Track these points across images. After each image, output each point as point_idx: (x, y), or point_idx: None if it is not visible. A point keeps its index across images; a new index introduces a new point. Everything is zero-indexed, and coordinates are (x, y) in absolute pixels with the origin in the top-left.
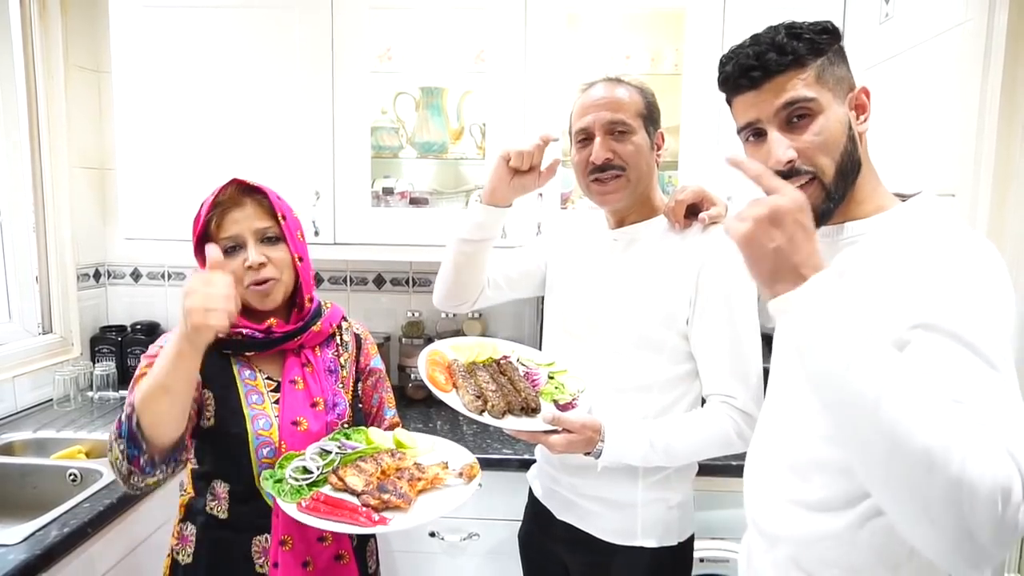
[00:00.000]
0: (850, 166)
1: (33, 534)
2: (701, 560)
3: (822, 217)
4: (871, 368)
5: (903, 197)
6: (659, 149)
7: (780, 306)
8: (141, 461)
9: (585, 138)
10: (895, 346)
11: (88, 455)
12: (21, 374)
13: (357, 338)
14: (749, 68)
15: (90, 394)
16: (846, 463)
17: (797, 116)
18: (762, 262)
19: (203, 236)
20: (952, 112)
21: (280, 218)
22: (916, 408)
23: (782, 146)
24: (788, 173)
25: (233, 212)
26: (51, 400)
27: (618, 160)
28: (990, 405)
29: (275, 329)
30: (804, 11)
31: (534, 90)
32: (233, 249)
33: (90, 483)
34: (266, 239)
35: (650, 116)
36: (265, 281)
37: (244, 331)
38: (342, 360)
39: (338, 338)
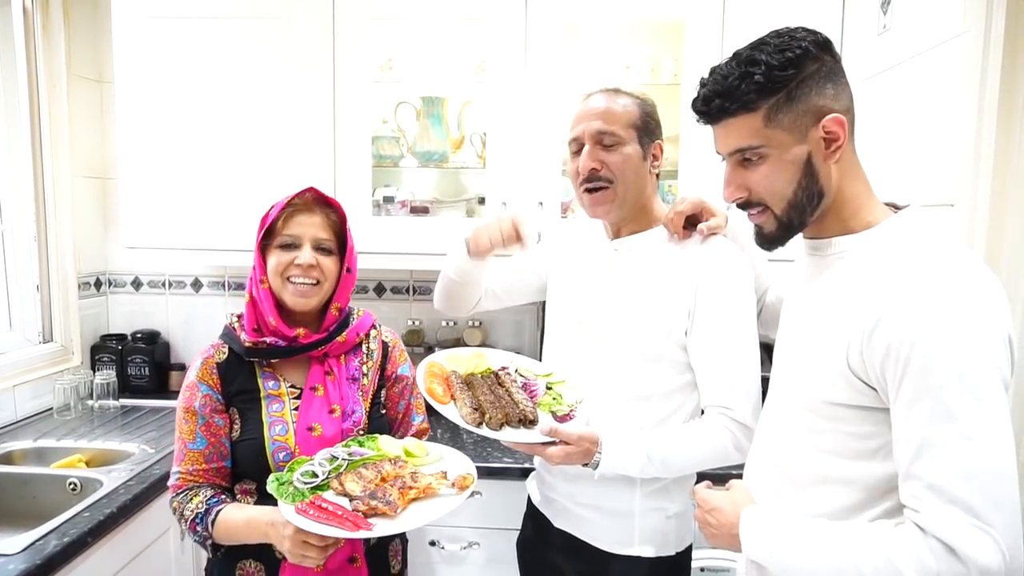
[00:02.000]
0: (806, 199)
1: (33, 544)
2: (702, 570)
3: (782, 239)
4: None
5: (896, 208)
6: (656, 160)
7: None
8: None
9: (578, 148)
10: (863, 359)
11: (88, 464)
12: (21, 383)
13: (384, 346)
14: (702, 110)
15: (90, 403)
16: (849, 476)
17: (747, 158)
18: (716, 540)
19: (266, 231)
20: (950, 122)
21: (346, 231)
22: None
23: (729, 187)
24: (743, 204)
25: (301, 215)
26: (51, 409)
27: (605, 171)
28: (935, 481)
29: (301, 340)
30: (801, 22)
31: (534, 99)
32: (289, 246)
33: (90, 492)
34: (321, 248)
35: (645, 128)
36: (312, 284)
37: (268, 340)
38: (365, 368)
39: (364, 347)
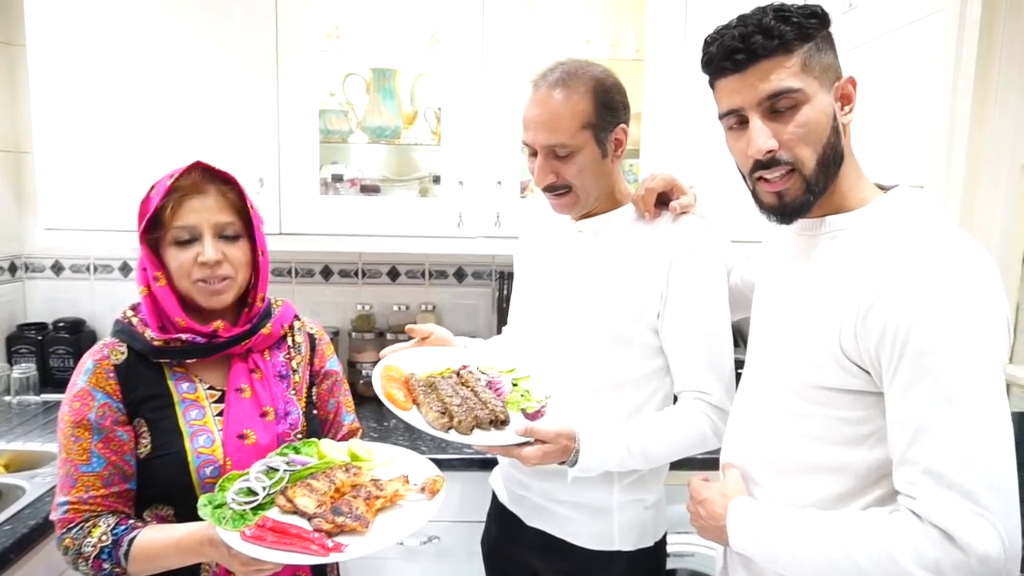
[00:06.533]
0: (832, 158)
1: None
2: (668, 555)
3: (801, 209)
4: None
5: (883, 188)
6: (619, 147)
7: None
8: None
9: (533, 151)
10: (857, 341)
11: (7, 468)
12: None
13: (311, 338)
14: (734, 50)
15: (8, 399)
16: (838, 463)
17: (781, 106)
18: (705, 533)
19: (152, 221)
20: (923, 102)
21: (248, 208)
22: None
23: (763, 136)
24: (768, 163)
25: (192, 200)
26: None
27: (561, 181)
28: (933, 466)
29: (221, 334)
30: None
31: (491, 74)
32: (187, 241)
33: (11, 501)
34: (224, 236)
35: (601, 121)
36: (220, 280)
37: (184, 337)
38: (294, 364)
39: (290, 339)
